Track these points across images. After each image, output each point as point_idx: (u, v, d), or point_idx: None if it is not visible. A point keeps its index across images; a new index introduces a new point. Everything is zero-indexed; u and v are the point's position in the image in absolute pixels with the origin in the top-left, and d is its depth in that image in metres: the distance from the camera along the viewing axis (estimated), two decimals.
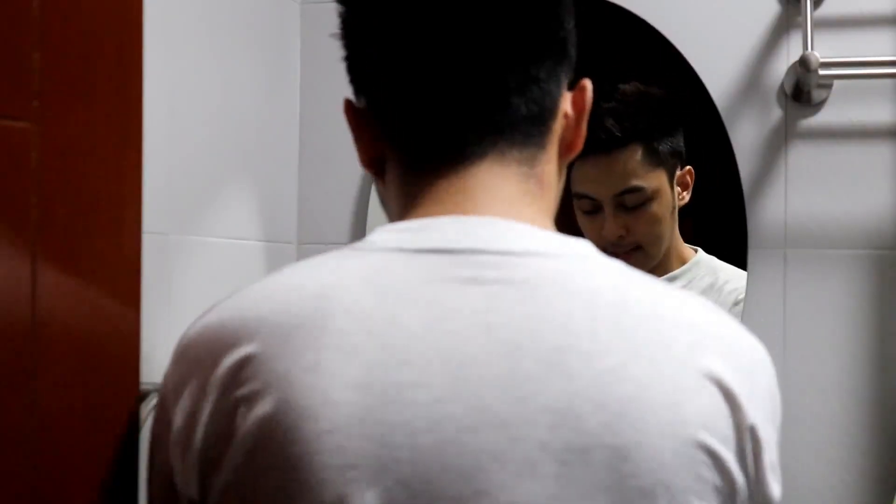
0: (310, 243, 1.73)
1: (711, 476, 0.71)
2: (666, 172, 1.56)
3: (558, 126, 0.83)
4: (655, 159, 1.55)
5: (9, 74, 0.72)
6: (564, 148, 0.85)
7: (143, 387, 1.20)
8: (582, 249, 0.77)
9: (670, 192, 1.56)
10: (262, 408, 0.69)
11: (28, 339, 0.73)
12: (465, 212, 0.78)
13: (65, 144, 0.77)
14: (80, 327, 0.80)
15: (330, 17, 1.76)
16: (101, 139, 0.83)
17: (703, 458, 0.70)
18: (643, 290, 0.75)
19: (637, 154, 1.55)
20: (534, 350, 0.70)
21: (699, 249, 1.59)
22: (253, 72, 1.60)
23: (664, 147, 1.56)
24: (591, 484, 0.68)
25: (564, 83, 0.84)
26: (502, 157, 0.80)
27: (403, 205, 0.81)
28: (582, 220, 1.57)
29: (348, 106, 0.87)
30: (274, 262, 1.66)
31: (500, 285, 0.72)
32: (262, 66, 1.64)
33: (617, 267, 0.77)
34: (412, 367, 0.69)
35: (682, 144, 1.57)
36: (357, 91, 0.87)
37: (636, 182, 1.54)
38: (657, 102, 1.59)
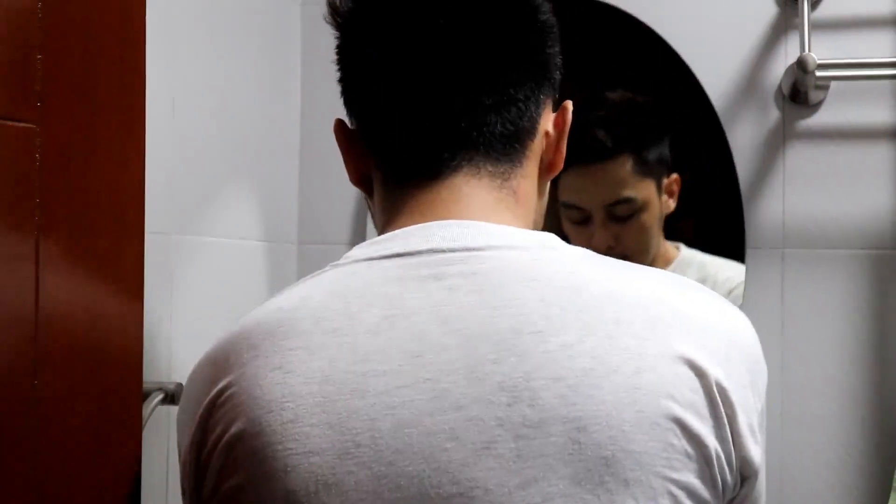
0: (311, 243, 1.74)
1: (681, 444, 0.72)
2: (654, 181, 1.56)
3: (538, 145, 0.87)
4: (644, 169, 1.55)
5: (12, 76, 0.73)
6: (545, 167, 0.88)
7: (146, 386, 1.21)
8: (546, 241, 0.80)
9: (658, 200, 1.56)
10: (238, 424, 0.74)
11: (31, 338, 0.74)
12: (436, 219, 0.81)
13: (68, 145, 0.78)
14: (83, 326, 0.80)
15: None
16: (104, 140, 0.83)
17: (670, 426, 0.71)
18: (604, 273, 0.77)
19: (627, 164, 1.55)
20: (488, 334, 0.73)
21: (681, 246, 1.59)
22: (254, 72, 1.61)
23: (652, 156, 1.56)
24: (550, 456, 0.70)
25: (546, 103, 0.87)
26: (477, 171, 0.83)
27: (385, 220, 0.86)
28: (569, 230, 1.56)
29: (338, 126, 0.91)
30: (275, 262, 1.66)
31: (459, 278, 0.75)
32: (263, 66, 1.64)
33: (581, 253, 0.80)
34: (371, 358, 0.73)
35: (668, 152, 1.57)
36: (349, 111, 0.91)
37: (627, 192, 1.54)
38: (645, 110, 1.59)
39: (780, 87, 1.56)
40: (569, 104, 0.88)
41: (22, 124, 0.73)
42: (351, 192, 1.72)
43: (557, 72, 0.88)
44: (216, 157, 1.50)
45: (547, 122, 0.87)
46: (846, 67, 1.50)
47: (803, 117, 1.55)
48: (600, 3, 1.62)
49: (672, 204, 1.57)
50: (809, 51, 1.46)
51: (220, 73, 1.50)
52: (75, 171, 0.79)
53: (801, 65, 1.45)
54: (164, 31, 1.35)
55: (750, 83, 1.57)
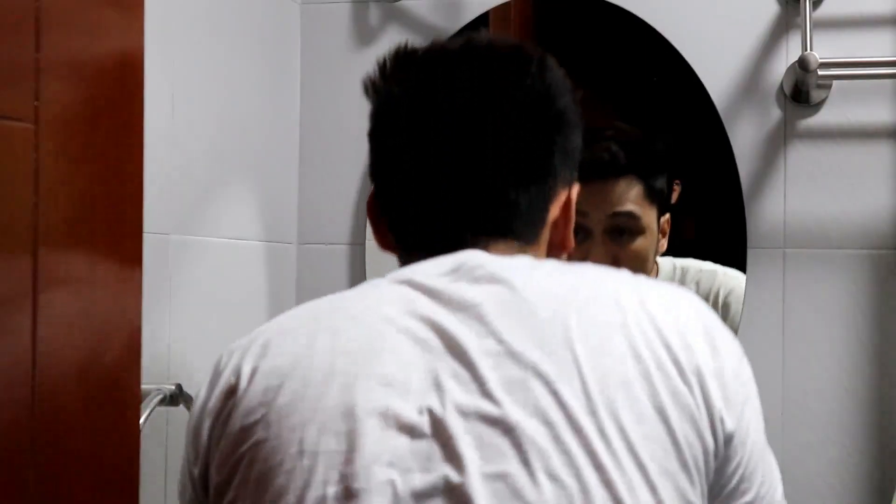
0: (310, 243, 1.74)
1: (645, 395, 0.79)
2: (656, 212, 1.55)
3: (546, 231, 0.93)
4: (650, 197, 1.54)
5: (9, 75, 0.72)
6: (555, 246, 0.94)
7: (144, 387, 1.20)
8: (523, 261, 0.87)
9: (656, 233, 1.55)
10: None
11: (29, 339, 0.74)
12: None
13: (65, 145, 0.78)
14: (81, 327, 0.80)
15: (330, 18, 1.77)
16: (102, 139, 0.83)
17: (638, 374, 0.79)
18: (575, 277, 0.86)
19: (635, 186, 1.53)
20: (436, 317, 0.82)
21: (657, 263, 1.59)
22: (253, 72, 1.61)
23: (658, 186, 1.55)
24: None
25: (555, 192, 0.93)
26: (486, 247, 0.89)
27: None
28: None
29: (372, 199, 0.96)
30: (274, 263, 1.66)
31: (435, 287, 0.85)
32: (263, 66, 1.64)
33: (553, 262, 0.89)
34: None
35: (667, 190, 1.57)
36: (372, 181, 0.97)
37: (631, 207, 1.53)
38: (650, 143, 1.59)
39: (781, 87, 1.56)
40: (574, 194, 0.94)
41: (19, 124, 0.73)
42: (351, 193, 1.72)
43: (572, 161, 0.94)
44: (216, 157, 1.49)
45: (557, 208, 0.93)
46: (848, 66, 1.49)
47: (805, 116, 1.55)
48: (602, 1, 1.62)
49: (664, 244, 1.56)
50: (811, 50, 1.45)
51: (219, 73, 1.50)
52: (73, 170, 0.79)
53: (802, 64, 1.45)
54: (164, 30, 1.34)
55: (751, 82, 1.57)
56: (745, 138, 1.57)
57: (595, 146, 1.49)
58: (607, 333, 0.80)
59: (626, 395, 0.78)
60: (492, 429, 0.76)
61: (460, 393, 0.78)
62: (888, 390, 1.51)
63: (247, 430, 0.81)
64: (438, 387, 0.78)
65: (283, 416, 0.79)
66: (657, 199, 1.55)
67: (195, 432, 0.86)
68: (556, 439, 0.76)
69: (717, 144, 1.58)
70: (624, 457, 0.76)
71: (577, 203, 1.51)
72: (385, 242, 0.96)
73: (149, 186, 0.90)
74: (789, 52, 1.55)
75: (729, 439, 0.81)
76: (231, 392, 0.83)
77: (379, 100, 0.94)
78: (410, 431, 0.77)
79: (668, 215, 1.56)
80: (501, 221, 0.90)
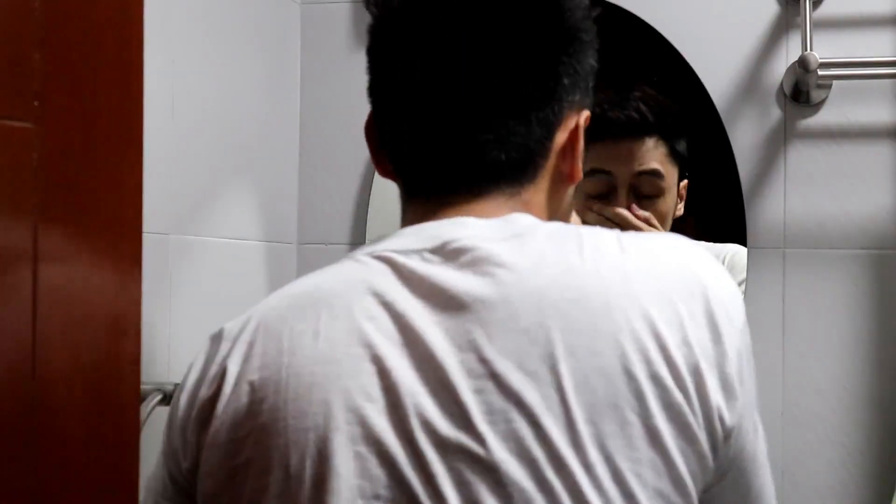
0: (310, 243, 1.74)
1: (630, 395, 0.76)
2: (677, 174, 1.55)
3: (551, 161, 0.87)
4: (674, 158, 1.54)
5: (9, 75, 0.72)
6: (561, 178, 0.88)
7: (144, 387, 1.20)
8: (516, 229, 0.81)
9: (675, 195, 1.55)
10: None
11: (28, 339, 0.74)
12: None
13: (65, 145, 0.78)
14: (81, 327, 0.80)
15: (330, 18, 1.77)
16: (102, 139, 0.83)
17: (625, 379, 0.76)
18: (560, 253, 0.80)
19: (661, 146, 1.52)
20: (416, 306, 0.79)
21: None
22: (253, 72, 1.61)
23: (680, 149, 1.55)
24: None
25: (561, 119, 0.87)
26: (489, 192, 0.85)
27: (401, 219, 0.90)
28: (587, 207, 1.54)
29: (370, 123, 0.91)
30: (274, 263, 1.66)
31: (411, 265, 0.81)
32: (263, 66, 1.64)
33: (543, 237, 0.81)
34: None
35: (686, 155, 1.57)
36: (371, 105, 0.92)
37: (657, 166, 1.52)
38: (674, 107, 1.58)
39: (781, 87, 1.56)
40: (583, 120, 0.88)
41: (19, 124, 0.72)
42: (350, 193, 1.72)
43: (583, 83, 0.89)
44: (216, 157, 1.49)
45: (562, 134, 0.87)
46: (848, 66, 1.49)
47: (805, 116, 1.55)
48: (603, 1, 1.62)
49: (681, 209, 1.56)
50: (811, 50, 1.45)
51: (219, 73, 1.50)
52: (73, 171, 0.79)
53: (802, 64, 1.45)
54: (164, 30, 1.34)
55: (751, 82, 1.57)
56: (745, 138, 1.57)
57: (624, 106, 1.50)
58: (595, 348, 0.75)
59: (615, 421, 0.74)
60: (473, 467, 0.74)
61: (441, 420, 0.75)
62: (888, 390, 1.50)
63: (236, 444, 0.79)
64: (418, 408, 0.75)
65: (269, 436, 0.78)
66: (679, 162, 1.55)
67: (182, 429, 0.85)
68: (540, 479, 0.73)
69: (717, 144, 1.58)
70: (610, 489, 0.74)
71: (603, 162, 1.47)
72: (384, 171, 0.91)
73: (148, 186, 0.90)
74: (789, 52, 1.55)
75: (728, 434, 0.78)
76: (215, 397, 0.82)
77: (378, 12, 0.89)
78: (391, 462, 0.75)
79: (686, 181, 1.56)
80: (494, 162, 0.84)
